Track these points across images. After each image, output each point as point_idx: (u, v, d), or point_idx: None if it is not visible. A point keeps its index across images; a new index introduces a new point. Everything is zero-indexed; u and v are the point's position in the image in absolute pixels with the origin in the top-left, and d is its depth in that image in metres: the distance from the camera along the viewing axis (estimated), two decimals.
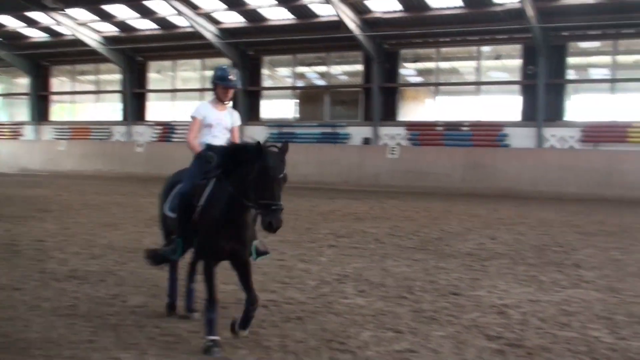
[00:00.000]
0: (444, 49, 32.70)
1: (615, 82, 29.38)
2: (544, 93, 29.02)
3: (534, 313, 7.41)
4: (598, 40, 29.95)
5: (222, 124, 6.83)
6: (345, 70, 36.73)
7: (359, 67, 34.41)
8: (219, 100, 6.85)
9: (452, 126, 31.46)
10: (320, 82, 36.88)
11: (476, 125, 30.93)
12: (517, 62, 30.87)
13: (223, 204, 5.88)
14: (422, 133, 31.70)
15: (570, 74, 30.37)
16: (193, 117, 6.88)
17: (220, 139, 6.80)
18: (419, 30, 30.92)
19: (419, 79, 35.67)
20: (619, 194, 25.61)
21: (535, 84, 29.35)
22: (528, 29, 28.07)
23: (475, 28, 29.79)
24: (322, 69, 36.29)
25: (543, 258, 11.24)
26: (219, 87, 6.77)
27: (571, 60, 30.04)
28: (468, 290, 8.47)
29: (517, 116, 30.47)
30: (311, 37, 32.76)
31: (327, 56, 35.20)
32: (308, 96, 36.73)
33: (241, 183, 5.75)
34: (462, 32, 30.44)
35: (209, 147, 6.66)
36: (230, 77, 6.74)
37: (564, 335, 6.57)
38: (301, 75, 37.56)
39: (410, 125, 32.29)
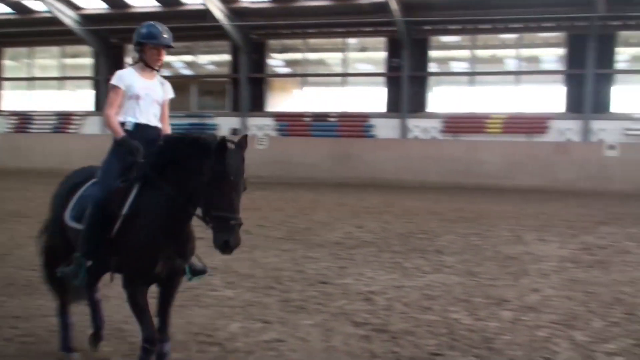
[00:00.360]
0: (311, 40, 33.01)
1: (473, 76, 30.75)
2: (407, 85, 29.94)
3: (399, 298, 7.61)
4: (458, 35, 31.21)
5: (151, 96, 5.32)
6: (212, 60, 36.34)
7: (227, 57, 34.13)
8: (147, 66, 5.30)
9: (320, 117, 31.83)
10: (187, 72, 36.29)
11: (343, 116, 31.46)
12: (382, 55, 31.63)
13: (160, 211, 4.59)
14: (290, 124, 31.89)
15: (432, 67, 31.49)
16: (113, 86, 5.17)
17: (149, 115, 5.32)
18: (286, 21, 31.04)
19: (286, 70, 35.82)
20: (477, 182, 26.88)
21: (399, 76, 30.21)
22: (392, 23, 28.84)
23: (341, 20, 30.26)
24: (189, 58, 35.69)
25: (407, 245, 11.58)
26: (148, 47, 5.22)
27: (433, 53, 31.15)
28: (336, 279, 8.59)
29: (382, 107, 31.25)
30: (177, 26, 31.99)
31: (193, 45, 34.62)
32: (174, 86, 35.22)
33: (187, 185, 4.53)
34: (328, 23, 30.83)
35: (137, 127, 5.19)
36: (163, 33, 5.22)
37: (426, 318, 6.80)
38: (167, 65, 36.77)
39: (279, 116, 32.40)
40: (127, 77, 5.20)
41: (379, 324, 6.56)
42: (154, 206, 4.61)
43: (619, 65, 28.88)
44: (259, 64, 33.09)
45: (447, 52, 32.56)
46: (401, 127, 30.19)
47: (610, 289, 8.33)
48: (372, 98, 32.11)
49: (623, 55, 29.21)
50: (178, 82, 36.05)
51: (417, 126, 30.13)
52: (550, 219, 15.97)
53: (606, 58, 28.00)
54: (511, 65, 31.00)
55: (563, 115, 28.52)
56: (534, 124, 28.63)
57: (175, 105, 33.32)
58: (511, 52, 30.83)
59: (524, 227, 14.32)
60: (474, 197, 21.94)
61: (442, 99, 31.35)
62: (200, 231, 4.91)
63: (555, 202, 20.39)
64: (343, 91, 32.59)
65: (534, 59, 31.28)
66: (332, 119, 31.56)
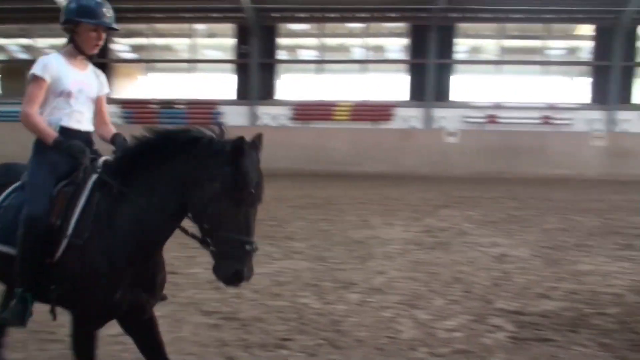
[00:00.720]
0: (157, 25, 32.19)
1: (321, 64, 31.24)
2: (256, 72, 29.95)
3: (248, 286, 7.53)
4: (306, 23, 31.56)
5: (85, 93, 4.11)
6: (51, 44, 34.41)
7: (66, 41, 32.59)
8: (81, 52, 4.11)
9: (167, 104, 31.17)
10: (24, 56, 34.31)
11: (191, 104, 30.98)
12: (231, 41, 31.42)
13: (125, 228, 3.49)
14: (136, 111, 30.95)
15: (281, 55, 31.68)
16: (35, 77, 3.89)
17: (82, 117, 4.12)
18: (131, 4, 30.05)
19: (131, 55, 34.75)
20: (326, 168, 27.36)
21: (248, 63, 30.15)
22: (241, 9, 28.70)
23: (189, 5, 29.75)
24: (26, 41, 33.77)
25: (257, 232, 11.55)
26: (83, 27, 4.00)
27: (282, 41, 31.33)
28: (185, 269, 8.43)
29: (231, 94, 31.08)
30: (12, 7, 30.25)
31: (31, 28, 32.77)
32: (12, 71, 33.97)
33: (172, 193, 3.49)
34: (176, 8, 30.21)
35: (63, 131, 3.97)
36: (103, 9, 4.00)
37: (276, 304, 6.82)
38: (1, 49, 34.64)
39: (124, 103, 31.37)
40: (55, 66, 3.97)
41: (229, 312, 6.52)
42: (113, 220, 3.52)
43: (458, 55, 30.40)
44: (102, 49, 31.23)
45: (296, 39, 32.87)
46: (250, 114, 30.18)
47: (450, 268, 8.74)
48: (220, 85, 31.86)
49: (462, 46, 30.76)
50: (15, 67, 34.10)
51: (266, 113, 30.24)
52: (395, 203, 16.54)
53: (446, 49, 29.39)
54: (358, 54, 31.78)
55: (407, 103, 29.64)
56: (379, 112, 29.54)
57: (13, 92, 31.14)
58: (358, 41, 31.62)
59: (371, 211, 14.74)
60: (323, 183, 22.32)
61: (291, 86, 31.65)
62: None
63: (399, 187, 21.14)
64: (191, 78, 32.09)
65: (380, 48, 32.23)
66: (180, 107, 31.00)
